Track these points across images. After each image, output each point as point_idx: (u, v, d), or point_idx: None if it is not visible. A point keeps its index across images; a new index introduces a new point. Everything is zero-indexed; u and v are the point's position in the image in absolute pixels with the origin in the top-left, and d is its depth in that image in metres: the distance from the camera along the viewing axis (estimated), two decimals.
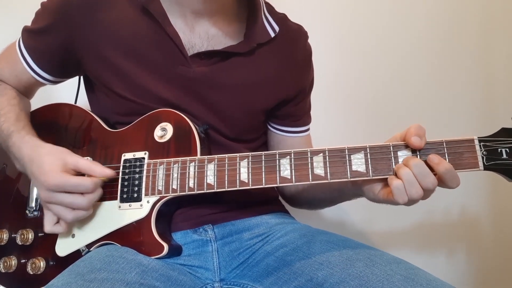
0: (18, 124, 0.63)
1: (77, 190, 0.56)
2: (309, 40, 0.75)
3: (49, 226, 0.59)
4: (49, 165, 0.56)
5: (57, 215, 0.58)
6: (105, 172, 0.58)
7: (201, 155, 0.60)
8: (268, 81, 0.69)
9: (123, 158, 0.62)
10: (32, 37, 0.68)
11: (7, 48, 0.71)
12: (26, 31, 0.69)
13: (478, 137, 0.50)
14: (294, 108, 0.74)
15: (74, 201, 0.56)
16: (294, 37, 0.72)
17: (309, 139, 0.79)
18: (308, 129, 0.79)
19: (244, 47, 0.66)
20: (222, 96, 0.66)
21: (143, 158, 0.61)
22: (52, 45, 0.66)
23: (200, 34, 0.66)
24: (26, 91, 0.73)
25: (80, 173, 0.58)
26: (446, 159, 0.50)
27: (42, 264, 0.62)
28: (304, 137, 0.77)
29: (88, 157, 0.63)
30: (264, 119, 0.73)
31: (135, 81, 0.64)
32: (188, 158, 0.59)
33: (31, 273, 0.62)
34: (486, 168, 0.49)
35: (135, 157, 0.61)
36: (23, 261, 0.62)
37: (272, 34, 0.68)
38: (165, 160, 0.60)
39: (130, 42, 0.64)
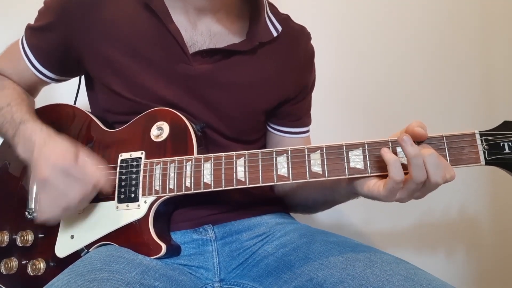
0: (33, 115, 0.65)
1: (84, 177, 0.56)
2: None
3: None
4: (65, 149, 0.58)
5: (43, 207, 0.57)
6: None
7: (198, 153, 0.61)
8: (270, 80, 0.69)
9: (120, 158, 0.63)
10: (34, 34, 0.70)
11: (9, 46, 0.73)
12: (28, 29, 0.71)
13: (479, 131, 0.50)
14: (293, 107, 0.75)
15: (71, 190, 0.56)
16: (296, 38, 0.73)
17: (309, 141, 0.79)
18: (307, 131, 0.78)
19: (246, 45, 0.66)
20: (222, 95, 0.67)
21: (140, 158, 0.62)
22: (53, 42, 0.68)
23: (203, 32, 0.67)
24: (29, 89, 0.75)
25: None
26: (446, 155, 0.50)
27: (42, 265, 0.63)
28: (304, 139, 0.78)
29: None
30: (264, 120, 0.74)
31: (134, 79, 0.65)
32: (184, 157, 0.60)
33: (31, 274, 0.63)
34: (487, 163, 0.49)
35: (132, 157, 0.63)
36: (24, 262, 0.64)
37: (275, 34, 0.69)
38: (161, 159, 0.61)
39: (130, 39, 0.65)
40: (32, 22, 0.71)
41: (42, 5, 0.70)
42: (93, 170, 0.58)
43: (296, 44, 0.73)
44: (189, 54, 0.65)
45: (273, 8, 0.73)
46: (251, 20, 0.69)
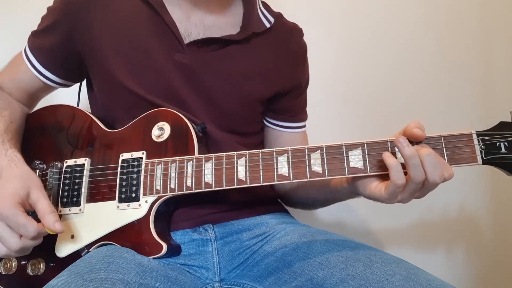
0: (5, 135, 0.64)
1: (18, 230, 0.55)
2: (307, 38, 0.80)
3: None
4: (10, 190, 0.56)
5: None
6: (56, 226, 0.56)
7: (199, 154, 0.62)
8: (264, 70, 0.73)
9: (121, 158, 0.64)
10: (37, 37, 0.72)
11: (12, 58, 0.76)
12: (31, 35, 0.74)
13: (476, 131, 0.52)
14: (291, 103, 0.78)
15: (8, 239, 0.55)
16: (289, 31, 0.78)
17: (306, 135, 0.83)
18: (304, 126, 0.82)
19: (240, 35, 0.70)
20: (218, 84, 0.70)
21: (141, 158, 0.64)
22: (57, 41, 0.70)
23: (196, 23, 0.70)
24: (28, 99, 0.76)
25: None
26: (444, 154, 0.52)
27: (42, 265, 0.64)
28: (301, 133, 0.81)
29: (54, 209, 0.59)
30: (261, 112, 0.76)
31: (135, 69, 0.68)
32: (185, 157, 0.61)
33: (31, 274, 0.64)
34: (484, 162, 0.51)
35: (133, 157, 0.64)
36: (23, 262, 0.65)
37: (268, 25, 0.73)
38: (162, 159, 0.62)
39: (131, 31, 0.68)
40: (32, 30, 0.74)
41: (39, 10, 0.73)
42: (32, 223, 0.55)
43: (289, 37, 0.77)
44: (184, 44, 0.68)
45: (265, 5, 0.78)
46: (244, 15, 0.73)
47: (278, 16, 0.77)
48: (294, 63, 0.77)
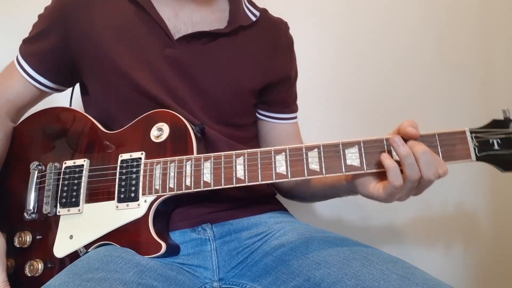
0: None
1: None
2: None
3: None
4: None
5: None
6: None
7: (197, 154, 0.64)
8: (253, 62, 0.76)
9: (120, 158, 0.66)
10: (30, 43, 0.75)
11: (3, 69, 0.78)
12: (23, 43, 0.76)
13: (469, 129, 0.54)
14: (283, 95, 0.81)
15: None
16: (275, 25, 0.81)
17: (298, 127, 0.86)
18: (296, 117, 0.85)
19: (228, 28, 0.73)
20: (209, 76, 0.72)
21: (140, 158, 0.65)
22: (51, 44, 0.72)
23: (185, 20, 0.73)
24: (19, 108, 0.77)
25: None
26: (439, 152, 0.54)
27: (40, 266, 0.65)
28: (293, 124, 0.84)
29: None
30: (254, 104, 0.79)
31: (134, 67, 0.70)
32: (184, 157, 0.63)
33: (29, 275, 0.65)
34: (478, 159, 0.53)
35: (132, 157, 0.66)
36: (21, 263, 0.66)
37: (253, 18, 0.77)
38: (161, 159, 0.64)
39: (126, 32, 0.71)
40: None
41: (39, 11, 0.75)
42: None
43: (275, 30, 0.81)
44: (174, 39, 0.71)
45: (250, 2, 0.82)
46: (230, 10, 0.77)
47: (263, 11, 0.81)
48: (281, 54, 0.80)
